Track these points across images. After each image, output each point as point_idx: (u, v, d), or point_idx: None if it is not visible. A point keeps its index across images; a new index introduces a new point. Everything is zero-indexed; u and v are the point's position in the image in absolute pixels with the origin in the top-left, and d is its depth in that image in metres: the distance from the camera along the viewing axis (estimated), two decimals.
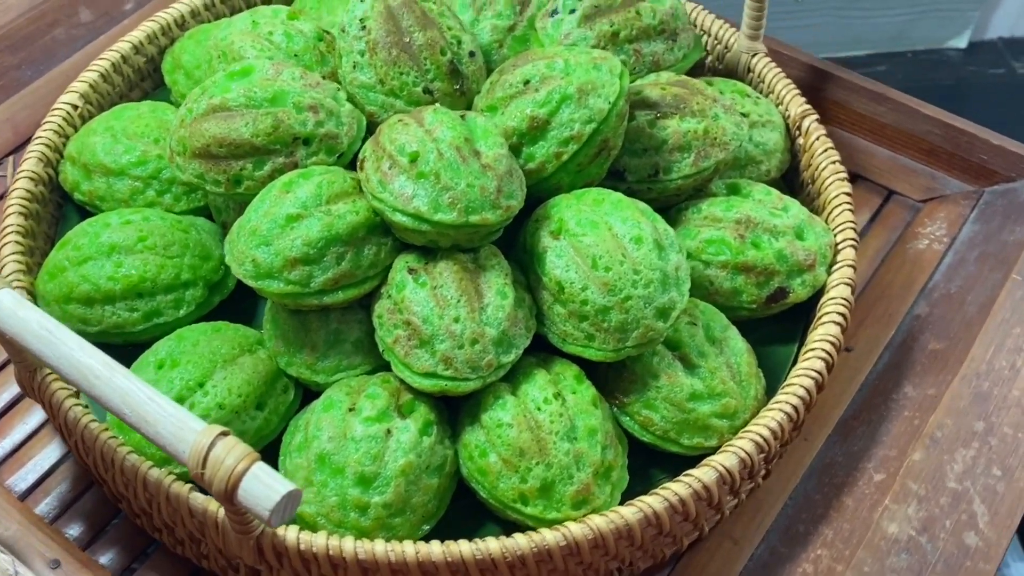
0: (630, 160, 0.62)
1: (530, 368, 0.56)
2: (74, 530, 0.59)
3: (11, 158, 0.74)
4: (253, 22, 0.66)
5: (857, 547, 0.57)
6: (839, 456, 0.61)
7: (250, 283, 0.55)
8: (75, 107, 0.68)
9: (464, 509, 0.56)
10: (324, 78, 0.63)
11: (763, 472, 0.59)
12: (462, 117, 0.57)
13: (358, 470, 0.53)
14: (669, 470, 0.58)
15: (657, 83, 0.63)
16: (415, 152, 0.54)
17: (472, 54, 0.63)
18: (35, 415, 0.63)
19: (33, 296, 0.61)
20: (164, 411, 0.47)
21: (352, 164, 0.59)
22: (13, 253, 0.61)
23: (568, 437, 0.54)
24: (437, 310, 0.54)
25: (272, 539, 0.50)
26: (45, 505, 0.60)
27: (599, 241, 0.55)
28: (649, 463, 0.58)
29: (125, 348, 0.60)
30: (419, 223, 0.54)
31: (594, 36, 0.64)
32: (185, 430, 0.46)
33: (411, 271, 0.55)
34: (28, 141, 0.74)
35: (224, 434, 0.46)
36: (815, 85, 0.76)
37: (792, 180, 0.70)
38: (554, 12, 0.65)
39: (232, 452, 0.45)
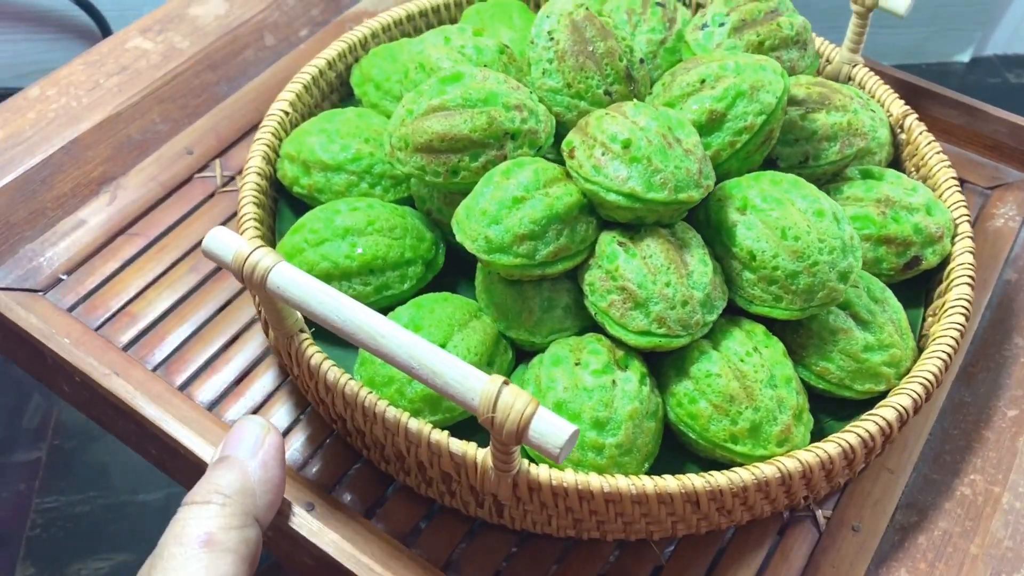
0: (782, 149, 0.58)
1: (726, 327, 0.52)
2: (315, 478, 0.54)
3: (218, 161, 0.69)
4: (445, 38, 0.61)
5: (1008, 471, 0.53)
6: (967, 397, 0.57)
7: (483, 257, 0.51)
8: (286, 113, 0.63)
9: (664, 452, 0.52)
10: None
11: None
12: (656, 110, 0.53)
13: (593, 415, 0.48)
14: (830, 413, 0.54)
15: (800, 84, 0.59)
16: (627, 139, 0.50)
17: (642, 61, 0.59)
18: (266, 379, 0.58)
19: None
20: (449, 364, 0.43)
21: (556, 155, 0.55)
22: (255, 237, 0.56)
23: (770, 384, 0.50)
24: (650, 276, 0.50)
25: (527, 476, 0.46)
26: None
27: (786, 215, 0.51)
28: (813, 409, 0.54)
29: None
30: (632, 201, 0.50)
31: (743, 45, 0.60)
32: (472, 379, 0.42)
33: (621, 244, 0.51)
34: (231, 146, 0.70)
35: (507, 383, 0.42)
36: (897, 92, 0.73)
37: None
38: (704, 26, 0.61)
39: (519, 398, 0.41)
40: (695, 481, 0.46)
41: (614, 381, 0.49)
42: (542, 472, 0.46)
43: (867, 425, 0.49)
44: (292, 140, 0.62)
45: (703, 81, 0.55)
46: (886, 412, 0.50)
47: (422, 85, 0.57)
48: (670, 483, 0.46)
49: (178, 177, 0.67)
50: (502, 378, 0.42)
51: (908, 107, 0.65)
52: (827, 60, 0.70)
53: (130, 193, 0.66)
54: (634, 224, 0.52)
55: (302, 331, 0.51)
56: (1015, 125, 0.69)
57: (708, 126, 0.54)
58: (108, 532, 0.86)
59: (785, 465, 0.47)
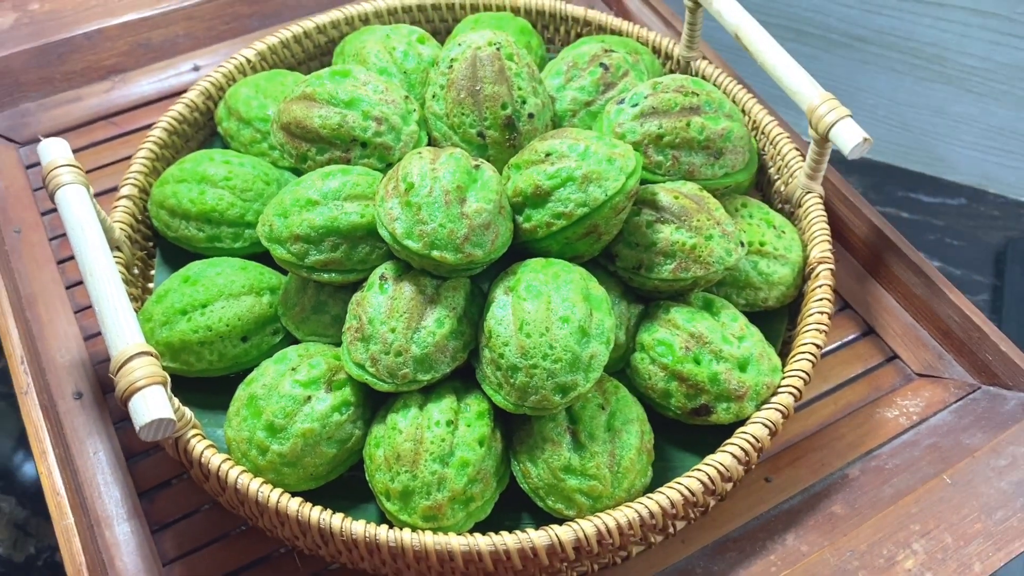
0: (623, 248, 0.56)
1: (445, 391, 0.52)
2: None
3: None
4: (387, 35, 0.64)
5: None
6: (698, 570, 0.53)
7: (263, 242, 0.55)
8: (248, 60, 0.69)
9: (357, 481, 0.54)
10: (420, 98, 0.61)
11: (624, 555, 0.53)
12: (476, 167, 0.53)
13: (270, 419, 0.51)
14: (537, 519, 0.53)
15: (675, 190, 0.56)
16: (411, 183, 0.51)
17: (531, 115, 0.58)
18: None
19: (146, 193, 0.63)
20: (118, 318, 0.47)
21: None
22: (143, 157, 0.63)
23: (440, 460, 0.50)
24: (382, 316, 0.51)
25: (186, 444, 0.50)
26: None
27: (534, 309, 0.50)
28: (525, 507, 0.53)
29: (195, 255, 0.61)
30: (392, 242, 0.51)
31: (641, 132, 0.58)
32: (121, 340, 0.47)
33: (382, 277, 0.53)
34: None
35: (146, 354, 0.46)
36: (868, 239, 0.66)
37: (796, 318, 0.61)
38: (621, 101, 0.60)
39: (141, 369, 0.45)
40: (312, 513, 0.48)
41: (309, 397, 0.51)
42: (198, 446, 0.50)
43: (508, 540, 0.48)
44: (235, 86, 0.67)
45: (548, 155, 0.54)
46: (537, 536, 0.48)
47: (320, 71, 0.60)
48: (291, 504, 0.48)
49: (177, 87, 0.76)
50: (146, 349, 0.46)
51: (829, 255, 0.59)
52: (791, 176, 0.65)
53: (130, 88, 0.75)
54: (408, 264, 0.53)
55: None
56: (966, 316, 0.61)
57: (533, 199, 0.54)
58: None
59: (405, 539, 0.48)
